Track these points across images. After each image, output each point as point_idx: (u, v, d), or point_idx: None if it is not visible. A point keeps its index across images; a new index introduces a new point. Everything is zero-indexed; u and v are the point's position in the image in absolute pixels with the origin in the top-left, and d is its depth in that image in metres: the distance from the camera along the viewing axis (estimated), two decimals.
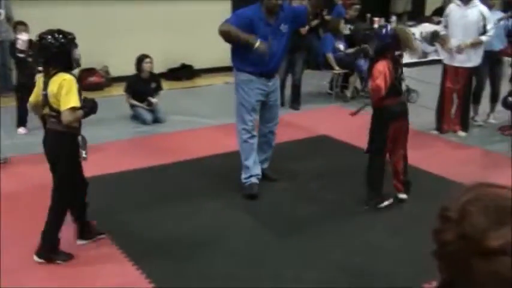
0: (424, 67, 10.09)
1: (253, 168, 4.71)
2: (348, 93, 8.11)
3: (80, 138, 3.63)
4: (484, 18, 5.95)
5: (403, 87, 4.57)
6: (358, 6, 8.63)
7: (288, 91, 7.71)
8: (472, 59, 6.10)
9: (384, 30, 4.31)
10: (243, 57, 4.55)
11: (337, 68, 8.02)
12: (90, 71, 8.70)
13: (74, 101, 3.44)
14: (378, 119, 4.39)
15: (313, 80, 8.51)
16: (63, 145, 3.58)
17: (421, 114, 7.26)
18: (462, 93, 6.26)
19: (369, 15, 10.06)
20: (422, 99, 7.88)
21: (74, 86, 3.45)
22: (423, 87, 8.21)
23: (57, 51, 3.44)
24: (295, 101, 7.72)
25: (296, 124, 6.53)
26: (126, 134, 6.49)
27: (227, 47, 4.82)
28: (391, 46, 4.23)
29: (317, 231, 4.13)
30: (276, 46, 4.52)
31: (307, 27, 7.47)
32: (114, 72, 8.66)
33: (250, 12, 4.53)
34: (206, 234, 4.10)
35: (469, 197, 0.96)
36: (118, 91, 8.16)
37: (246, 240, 4.02)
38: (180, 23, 9.11)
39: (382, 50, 4.24)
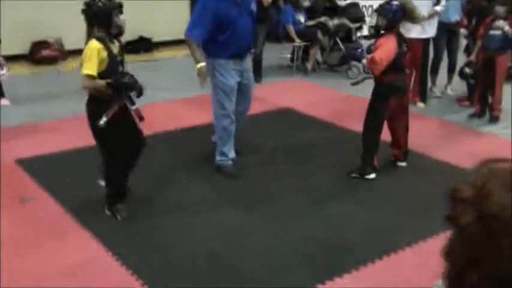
0: None
1: (229, 152, 4.70)
2: (309, 65, 8.10)
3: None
4: None
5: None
6: None
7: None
8: (427, 30, 6.18)
9: (391, 5, 4.28)
10: (218, 45, 4.44)
11: (297, 40, 7.99)
12: (43, 44, 8.38)
13: (89, 68, 3.50)
14: (378, 94, 4.43)
15: (274, 53, 8.45)
16: (88, 108, 3.68)
17: None
18: (419, 64, 6.35)
19: None
20: None
21: (95, 54, 3.49)
22: None
23: (95, 14, 3.53)
24: (257, 74, 7.62)
25: (259, 97, 6.44)
26: (83, 109, 6.28)
27: (186, 19, 4.73)
28: (398, 20, 4.28)
29: (286, 204, 4.14)
30: (246, 25, 4.49)
31: (270, 0, 7.39)
32: (69, 45, 8.37)
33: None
34: (175, 207, 4.06)
35: (482, 175, 0.92)
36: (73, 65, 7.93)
37: (215, 214, 3.99)
38: None
39: (391, 24, 4.26)
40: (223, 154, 4.68)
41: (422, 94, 6.55)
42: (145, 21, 9.01)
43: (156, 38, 9.28)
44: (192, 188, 4.40)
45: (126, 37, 9.01)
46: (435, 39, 6.36)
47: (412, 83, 6.51)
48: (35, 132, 5.41)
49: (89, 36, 3.59)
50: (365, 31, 8.66)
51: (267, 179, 4.57)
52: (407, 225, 3.85)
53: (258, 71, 7.64)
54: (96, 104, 3.61)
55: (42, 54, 8.27)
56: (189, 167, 4.78)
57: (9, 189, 4.22)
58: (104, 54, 3.54)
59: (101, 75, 3.54)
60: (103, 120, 3.52)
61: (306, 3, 8.32)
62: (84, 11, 3.58)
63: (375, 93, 4.47)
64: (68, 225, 3.79)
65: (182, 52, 8.89)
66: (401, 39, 4.33)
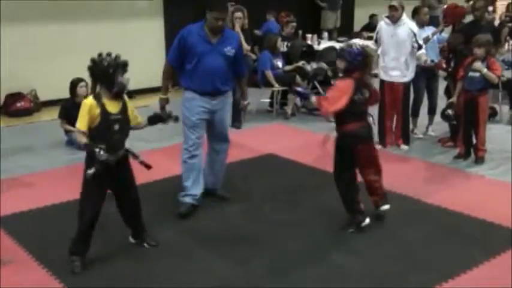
0: None
1: (191, 188, 4.71)
2: (289, 109, 8.10)
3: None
4: (414, 34, 6.12)
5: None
6: (294, 24, 8.69)
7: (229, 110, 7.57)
8: (406, 74, 6.27)
9: (354, 49, 4.13)
10: (187, 75, 4.63)
11: (276, 85, 8.00)
12: (18, 96, 8.20)
13: (79, 122, 3.64)
14: (342, 145, 4.26)
15: (253, 98, 8.40)
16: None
17: None
18: (400, 107, 6.40)
19: (301, 31, 10.17)
20: None
21: (86, 110, 3.60)
22: None
23: (98, 72, 3.61)
24: (236, 120, 7.59)
25: (240, 143, 6.38)
26: (61, 161, 6.10)
27: (159, 66, 4.87)
28: (358, 66, 4.11)
29: (275, 252, 4.00)
30: (214, 64, 4.53)
31: (248, 47, 7.46)
32: (43, 96, 8.21)
33: (191, 29, 4.61)
34: (154, 262, 3.88)
35: None
36: (49, 116, 7.75)
37: (207, 266, 3.81)
38: (110, 43, 8.72)
39: (350, 68, 4.11)
40: (184, 189, 4.74)
41: (405, 136, 6.56)
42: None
43: (130, 87, 9.16)
44: (182, 240, 4.23)
45: None
46: (415, 81, 6.43)
47: (394, 126, 6.56)
48: (12, 187, 5.18)
49: (92, 91, 3.71)
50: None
51: (256, 229, 4.43)
52: (407, 272, 3.74)
53: (237, 117, 7.59)
54: (88, 154, 3.65)
55: (17, 106, 8.09)
56: (172, 217, 4.61)
57: None
58: (97, 111, 3.59)
59: (93, 131, 3.62)
60: (90, 172, 3.54)
61: (283, 49, 8.38)
62: (89, 68, 3.65)
63: (339, 144, 4.27)
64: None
65: (157, 100, 8.82)
66: (361, 85, 4.15)
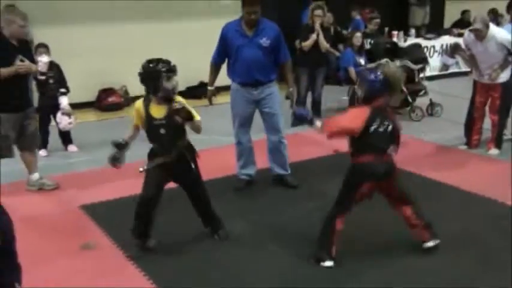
0: (445, 80, 9.94)
1: (243, 167, 5.24)
2: None
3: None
4: (503, 46, 5.83)
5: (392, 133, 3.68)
6: (378, 20, 8.54)
7: (308, 108, 7.61)
8: (502, 76, 5.99)
9: (372, 74, 3.59)
10: (231, 69, 5.08)
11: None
12: (109, 91, 8.70)
13: (135, 120, 3.92)
14: (347, 176, 3.75)
15: (334, 95, 8.39)
16: None
17: (446, 129, 7.12)
18: (498, 108, 6.10)
19: (387, 28, 9.96)
20: (446, 113, 7.73)
21: (135, 112, 3.91)
22: (445, 100, 8.07)
23: (143, 77, 3.79)
24: (316, 117, 7.60)
25: (318, 141, 6.38)
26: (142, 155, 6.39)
27: None
28: (379, 93, 3.57)
29: (346, 252, 3.98)
30: (252, 56, 4.84)
31: (328, 45, 7.48)
32: (133, 91, 8.63)
33: (230, 25, 5.00)
34: (229, 253, 3.99)
35: None
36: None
37: (273, 264, 3.87)
38: (198, 40, 9.07)
39: (369, 96, 3.59)
40: (238, 168, 5.26)
41: (499, 140, 6.24)
42: (206, 67, 9.16)
43: (216, 83, 9.41)
44: (251, 231, 4.32)
45: (188, 83, 9.28)
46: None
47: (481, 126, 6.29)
48: (101, 178, 5.51)
49: (145, 95, 3.89)
50: (428, 72, 8.48)
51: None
52: (483, 275, 3.60)
53: (317, 114, 7.60)
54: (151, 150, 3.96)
55: (108, 101, 8.57)
56: (247, 211, 4.71)
57: (72, 235, 4.28)
58: (143, 114, 3.84)
59: (146, 132, 3.91)
60: (141, 168, 3.90)
61: (366, 46, 8.27)
62: (138, 74, 3.81)
63: (346, 175, 3.76)
64: (129, 273, 3.78)
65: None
66: (383, 115, 3.59)
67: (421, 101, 7.86)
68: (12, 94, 4.84)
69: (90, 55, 8.44)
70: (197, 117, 3.88)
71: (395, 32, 9.76)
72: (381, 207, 4.02)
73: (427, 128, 7.23)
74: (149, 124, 3.84)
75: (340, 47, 9.44)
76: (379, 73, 3.56)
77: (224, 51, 5.01)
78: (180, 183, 4.07)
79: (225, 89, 9.32)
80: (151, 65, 3.76)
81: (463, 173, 5.62)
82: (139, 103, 3.88)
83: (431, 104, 7.90)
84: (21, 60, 4.84)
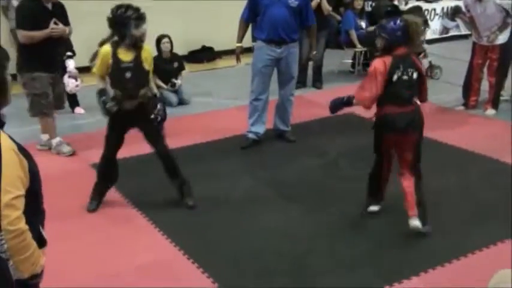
0: (445, 43, 9.99)
1: (253, 125, 5.38)
2: None
3: None
4: (502, 8, 5.91)
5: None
6: None
7: (310, 71, 7.70)
8: (500, 38, 6.09)
9: (392, 23, 3.53)
10: (258, 27, 5.24)
11: (359, 45, 7.97)
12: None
13: (95, 67, 3.93)
14: (375, 128, 3.73)
15: (335, 59, 8.46)
16: None
17: (445, 90, 7.23)
18: (495, 69, 6.21)
19: None
20: (446, 75, 7.82)
21: (100, 57, 3.85)
22: (445, 63, 8.14)
23: (110, 23, 3.80)
24: (317, 80, 7.71)
25: (320, 103, 6.50)
26: None
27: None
28: (400, 41, 3.52)
29: (351, 206, 4.16)
30: (279, 14, 5.01)
31: (330, 8, 7.50)
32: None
33: None
34: (235, 207, 4.19)
35: None
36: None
37: (276, 216, 4.06)
38: (200, 4, 9.08)
39: (388, 46, 3.54)
40: (249, 125, 5.39)
41: (496, 100, 6.36)
42: (208, 31, 9.24)
43: (218, 47, 9.48)
44: (257, 187, 4.50)
45: (190, 47, 9.33)
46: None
47: (478, 87, 6.40)
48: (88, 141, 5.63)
49: (108, 39, 3.85)
50: (428, 35, 8.52)
51: (331, 182, 4.60)
52: (476, 227, 3.79)
53: (318, 77, 7.70)
54: None
55: None
56: (254, 168, 4.90)
57: (85, 190, 4.45)
58: (109, 57, 3.81)
59: (110, 77, 3.90)
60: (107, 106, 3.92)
61: (367, 8, 8.30)
62: (107, 18, 3.82)
63: (373, 128, 3.74)
64: (139, 225, 3.97)
65: (244, 60, 9.09)
66: (406, 63, 3.53)
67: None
68: (45, 54, 4.98)
69: (95, 19, 8.40)
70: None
71: None
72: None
73: (438, 93, 7.34)
74: (116, 67, 3.82)
75: (341, 10, 9.44)
76: (399, 21, 3.52)
77: (253, 9, 5.17)
78: (145, 137, 4.11)
79: (228, 53, 9.44)
80: (119, 11, 3.76)
81: (461, 132, 5.77)
82: (106, 48, 3.82)
83: (431, 67, 7.97)
84: (55, 23, 4.95)
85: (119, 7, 3.78)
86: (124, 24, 3.75)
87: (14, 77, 2.46)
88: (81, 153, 5.31)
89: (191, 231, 3.88)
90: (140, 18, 3.78)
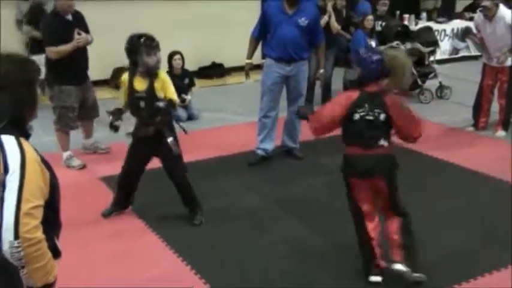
0: (455, 64, 10.00)
1: (262, 142, 5.41)
2: None
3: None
4: None
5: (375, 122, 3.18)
6: (386, 1, 8.58)
7: (318, 89, 7.73)
8: (510, 59, 6.09)
9: (369, 54, 3.20)
10: (268, 44, 5.27)
11: None
12: (123, 70, 8.82)
13: (119, 93, 4.16)
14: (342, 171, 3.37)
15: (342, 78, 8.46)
16: None
17: (454, 111, 7.23)
18: (506, 91, 6.21)
19: (398, 12, 9.99)
20: (455, 96, 7.82)
21: (121, 84, 4.09)
22: (455, 84, 8.15)
23: (126, 51, 3.91)
24: (326, 98, 7.70)
25: None
26: None
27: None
28: (372, 76, 3.17)
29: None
30: (289, 33, 5.04)
31: (339, 27, 7.55)
32: None
33: (271, 2, 5.20)
34: (243, 224, 4.17)
35: None
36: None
37: (284, 233, 4.05)
38: (210, 21, 9.18)
39: (361, 79, 3.21)
40: (258, 142, 5.41)
41: (506, 122, 6.35)
42: (218, 48, 9.32)
43: (228, 64, 9.55)
44: (265, 204, 4.49)
45: (200, 63, 9.40)
46: None
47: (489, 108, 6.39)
48: (118, 151, 5.66)
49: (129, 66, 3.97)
50: (438, 55, 8.55)
51: (338, 201, 4.57)
52: (485, 250, 3.76)
53: (327, 95, 7.71)
54: None
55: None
56: (262, 185, 4.91)
57: (93, 203, 4.47)
58: (126, 85, 3.96)
59: (128, 104, 4.01)
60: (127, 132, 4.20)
61: (377, 28, 8.33)
62: (124, 47, 3.92)
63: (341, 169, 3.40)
64: (148, 239, 3.97)
65: (253, 77, 9.15)
66: (373, 102, 3.15)
67: (431, 84, 7.96)
68: (73, 67, 5.08)
69: (106, 35, 8.55)
70: (175, 99, 4.00)
71: (406, 15, 9.80)
72: None
73: (436, 110, 7.34)
74: (131, 96, 3.92)
75: (351, 29, 9.49)
76: (377, 54, 3.20)
77: (264, 27, 5.21)
78: (159, 159, 4.12)
79: (237, 69, 9.51)
80: (133, 40, 3.85)
81: (470, 153, 5.74)
82: (125, 76, 3.98)
83: (441, 87, 7.98)
84: (78, 33, 5.03)
85: (133, 36, 3.87)
86: (136, 52, 3.82)
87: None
88: (90, 165, 5.33)
89: (199, 247, 3.87)
90: (151, 46, 3.84)
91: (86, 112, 5.42)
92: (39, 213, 1.79)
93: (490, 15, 5.95)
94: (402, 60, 3.27)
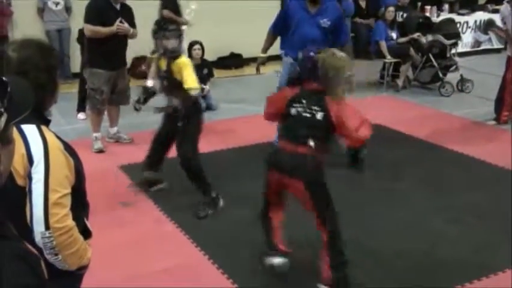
0: (477, 56, 9.86)
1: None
2: (400, 82, 8.00)
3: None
4: None
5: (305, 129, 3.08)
6: None
7: None
8: None
9: (307, 53, 3.20)
10: (287, 42, 5.09)
11: (388, 56, 7.92)
12: (142, 59, 8.86)
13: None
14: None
15: (364, 69, 8.42)
16: None
17: (476, 104, 7.14)
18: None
19: (420, 3, 9.88)
20: (477, 89, 7.71)
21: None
22: (476, 77, 8.04)
23: (152, 33, 4.19)
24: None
25: None
26: None
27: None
28: (306, 75, 3.15)
29: (372, 216, 4.12)
30: (310, 33, 4.82)
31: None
32: None
33: (294, 1, 5.01)
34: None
35: None
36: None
37: (299, 224, 4.04)
38: (229, 11, 9.16)
39: (299, 76, 3.24)
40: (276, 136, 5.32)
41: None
42: (236, 38, 9.29)
43: (246, 54, 9.53)
44: None
45: (218, 53, 9.39)
46: None
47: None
48: (137, 140, 5.72)
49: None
50: (460, 48, 8.44)
51: (356, 194, 4.56)
52: (501, 243, 3.71)
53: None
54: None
55: (142, 68, 8.78)
56: None
57: (112, 192, 4.51)
58: (155, 65, 4.37)
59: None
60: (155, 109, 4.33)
61: (398, 19, 8.25)
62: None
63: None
64: (166, 229, 4.00)
65: (271, 68, 9.11)
66: (311, 100, 3.07)
67: (452, 77, 7.86)
68: (107, 52, 5.23)
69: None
70: (191, 85, 4.05)
71: (428, 7, 9.68)
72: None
73: (457, 103, 7.26)
74: (158, 74, 4.30)
75: (372, 20, 9.42)
76: (313, 55, 3.13)
77: (283, 23, 5.03)
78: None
79: (256, 60, 9.48)
80: (156, 23, 4.22)
81: (490, 147, 5.67)
82: (155, 54, 4.30)
83: (462, 80, 7.88)
84: (121, 22, 5.19)
85: (157, 20, 4.37)
86: (156, 36, 4.14)
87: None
88: (109, 154, 5.38)
89: (217, 237, 3.89)
90: (167, 29, 4.11)
91: (115, 98, 5.53)
92: (68, 201, 1.81)
93: None
94: (340, 66, 3.07)
